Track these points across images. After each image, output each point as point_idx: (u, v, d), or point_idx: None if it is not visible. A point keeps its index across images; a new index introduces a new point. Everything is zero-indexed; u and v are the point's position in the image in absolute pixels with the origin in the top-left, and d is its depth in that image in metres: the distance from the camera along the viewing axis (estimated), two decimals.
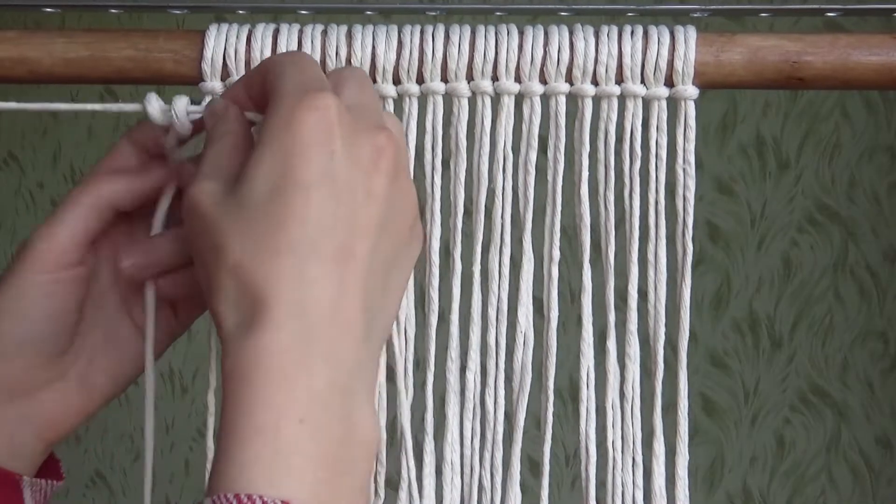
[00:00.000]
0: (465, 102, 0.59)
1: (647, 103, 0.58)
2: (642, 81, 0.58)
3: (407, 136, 0.59)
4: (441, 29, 0.58)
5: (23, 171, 1.88)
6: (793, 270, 1.72)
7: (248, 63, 0.58)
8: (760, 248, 1.73)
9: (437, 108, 0.59)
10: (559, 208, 0.60)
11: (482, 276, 0.60)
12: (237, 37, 0.59)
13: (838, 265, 1.71)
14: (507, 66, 0.58)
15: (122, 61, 0.59)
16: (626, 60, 0.58)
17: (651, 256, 0.60)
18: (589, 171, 0.59)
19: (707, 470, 1.75)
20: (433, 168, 0.60)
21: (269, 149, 0.47)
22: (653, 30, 0.58)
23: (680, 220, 0.59)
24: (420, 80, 0.59)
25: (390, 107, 0.59)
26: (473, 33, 0.58)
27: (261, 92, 0.51)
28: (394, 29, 0.58)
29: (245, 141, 0.51)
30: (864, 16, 0.62)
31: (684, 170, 0.59)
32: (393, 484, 0.60)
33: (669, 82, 0.58)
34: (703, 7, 0.61)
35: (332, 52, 0.58)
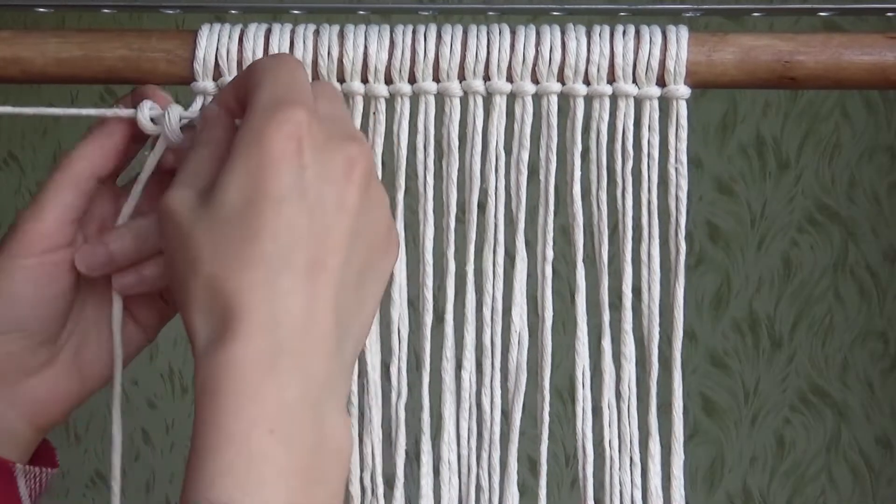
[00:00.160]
0: (457, 102, 0.59)
1: (639, 103, 0.58)
2: (634, 81, 0.58)
3: (399, 135, 0.59)
4: (433, 29, 0.58)
5: (23, 171, 1.88)
6: (793, 270, 1.72)
7: (240, 63, 0.58)
8: (760, 248, 1.73)
9: (429, 107, 0.59)
10: (552, 208, 0.60)
11: (476, 276, 0.60)
12: (229, 37, 0.59)
13: (838, 265, 1.71)
14: (498, 65, 0.58)
15: (115, 61, 0.59)
16: (618, 60, 0.58)
17: (644, 256, 0.60)
18: (581, 170, 0.59)
19: (707, 470, 1.75)
20: (426, 168, 0.60)
21: (241, 162, 0.48)
22: (644, 29, 0.58)
23: (673, 219, 0.59)
24: (412, 79, 0.59)
25: (382, 106, 0.59)
26: (465, 33, 0.58)
27: (243, 96, 0.52)
28: (386, 29, 0.59)
29: (227, 152, 0.51)
30: (860, 15, 0.62)
31: (676, 169, 0.59)
32: (390, 484, 0.60)
33: (661, 82, 0.58)
34: (696, 7, 0.61)
35: (323, 51, 0.58)
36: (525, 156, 0.59)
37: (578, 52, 0.58)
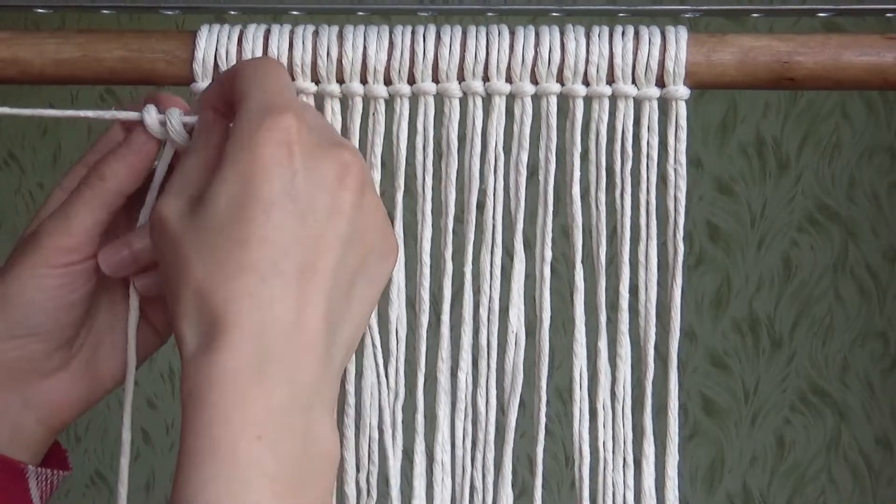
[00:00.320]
0: (456, 103, 0.59)
1: (638, 104, 0.58)
2: (633, 82, 0.58)
3: (398, 136, 0.59)
4: (432, 29, 0.58)
5: (23, 171, 1.88)
6: (793, 270, 1.72)
7: None
8: (760, 248, 1.72)
9: (428, 108, 0.59)
10: (551, 209, 0.60)
11: (474, 277, 0.60)
12: (228, 37, 0.59)
13: (838, 265, 1.71)
14: (498, 66, 0.58)
15: (114, 62, 0.59)
16: (618, 61, 0.58)
17: (642, 257, 0.60)
18: (580, 171, 0.59)
19: (707, 470, 1.75)
20: (425, 168, 0.60)
21: (231, 169, 0.48)
22: (644, 30, 0.58)
23: (671, 220, 0.59)
24: (411, 80, 0.59)
25: (381, 107, 0.59)
26: (465, 34, 0.58)
27: (230, 100, 0.52)
28: (385, 30, 0.58)
29: (216, 159, 0.51)
30: (860, 16, 0.62)
31: (676, 170, 0.59)
32: (386, 485, 0.60)
33: (661, 82, 0.58)
34: (695, 7, 0.61)
35: (323, 52, 0.58)
36: (524, 157, 0.59)
37: (578, 52, 0.58)
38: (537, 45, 0.58)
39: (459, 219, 0.59)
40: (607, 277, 0.60)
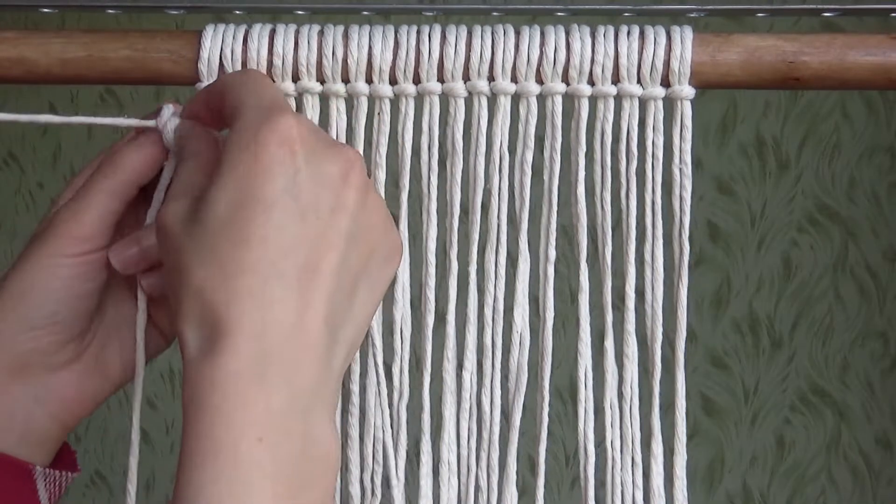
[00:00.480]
0: (461, 103, 0.59)
1: (643, 103, 0.58)
2: (639, 81, 0.58)
3: (403, 136, 0.59)
4: (437, 29, 0.58)
5: (23, 171, 1.88)
6: (793, 270, 1.73)
7: (244, 63, 0.58)
8: (760, 248, 1.73)
9: (433, 108, 0.59)
10: (555, 208, 0.60)
11: (479, 276, 0.60)
12: (234, 37, 0.58)
13: (838, 265, 1.71)
14: (503, 66, 0.58)
15: (120, 62, 0.59)
16: (623, 60, 0.58)
17: (648, 256, 0.60)
18: (585, 171, 0.59)
19: (707, 470, 1.75)
20: (430, 168, 0.60)
21: (231, 170, 0.48)
22: (649, 30, 0.58)
23: (677, 219, 0.59)
24: (416, 80, 0.59)
25: (387, 107, 0.59)
26: (470, 34, 0.58)
27: (220, 110, 0.52)
28: (390, 29, 0.58)
29: (212, 162, 0.52)
30: (862, 16, 0.62)
31: (681, 170, 0.59)
32: (389, 484, 0.60)
33: (666, 82, 0.58)
34: (700, 7, 0.61)
35: (328, 52, 0.58)
36: (529, 156, 0.59)
37: (583, 52, 0.58)
38: (543, 44, 0.58)
39: (463, 219, 0.59)
40: (611, 277, 0.60)
